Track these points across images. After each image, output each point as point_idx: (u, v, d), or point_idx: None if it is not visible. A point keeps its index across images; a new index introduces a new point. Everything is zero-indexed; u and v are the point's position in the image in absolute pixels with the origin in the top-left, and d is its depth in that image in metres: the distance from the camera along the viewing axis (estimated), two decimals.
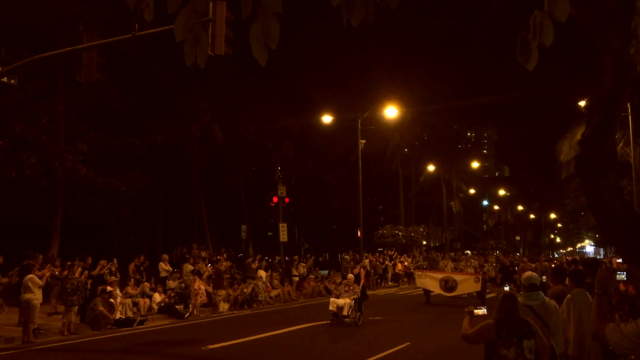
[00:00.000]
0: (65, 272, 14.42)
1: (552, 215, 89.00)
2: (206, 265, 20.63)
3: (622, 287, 6.64)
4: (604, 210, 4.75)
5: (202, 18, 2.63)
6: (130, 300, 15.94)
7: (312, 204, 47.72)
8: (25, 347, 11.90)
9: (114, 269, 16.40)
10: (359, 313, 14.85)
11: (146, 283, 17.82)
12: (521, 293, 5.82)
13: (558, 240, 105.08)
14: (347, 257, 31.36)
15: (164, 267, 19.70)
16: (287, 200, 30.17)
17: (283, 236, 29.44)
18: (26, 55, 15.18)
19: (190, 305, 17.27)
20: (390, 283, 31.02)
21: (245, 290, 20.07)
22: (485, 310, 5.19)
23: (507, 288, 5.86)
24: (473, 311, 5.10)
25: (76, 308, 14.23)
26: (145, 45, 23.74)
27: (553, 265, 30.43)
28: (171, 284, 18.62)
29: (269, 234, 47.84)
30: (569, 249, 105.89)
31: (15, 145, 18.97)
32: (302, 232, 54.88)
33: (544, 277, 15.89)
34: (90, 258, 16.46)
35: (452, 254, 41.57)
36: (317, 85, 41.87)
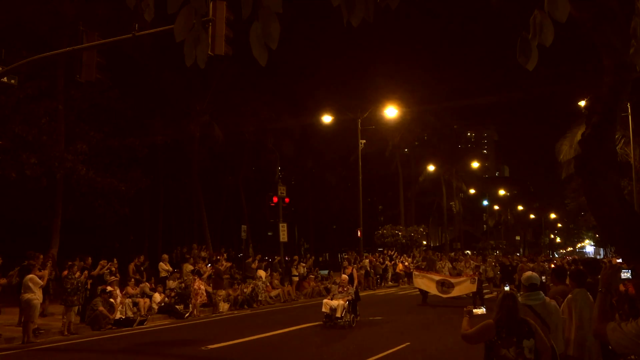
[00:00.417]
0: (65, 272, 14.41)
1: (552, 215, 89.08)
2: (206, 265, 20.62)
3: (621, 287, 6.63)
4: (604, 210, 4.76)
5: (202, 18, 2.63)
6: (130, 300, 15.94)
7: (312, 204, 47.72)
8: (25, 347, 11.90)
9: (114, 269, 16.40)
10: (353, 315, 14.54)
11: (146, 283, 17.82)
12: (521, 293, 5.82)
13: (558, 240, 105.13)
14: (347, 257, 31.36)
15: (164, 267, 19.70)
16: (287, 200, 30.20)
17: (283, 236, 29.45)
18: (26, 55, 15.18)
19: (190, 305, 17.28)
20: (390, 283, 31.03)
21: (245, 290, 20.08)
22: (484, 309, 5.19)
23: (507, 288, 5.85)
24: (472, 311, 5.11)
25: (76, 308, 14.24)
26: (145, 45, 23.73)
27: (552, 266, 30.43)
28: (171, 284, 18.62)
29: (269, 234, 47.85)
30: (569, 249, 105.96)
31: (15, 145, 18.96)
32: (302, 232, 54.88)
33: (543, 277, 15.88)
34: (90, 258, 16.46)
35: (452, 254, 41.60)
36: (317, 85, 41.90)
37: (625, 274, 4.61)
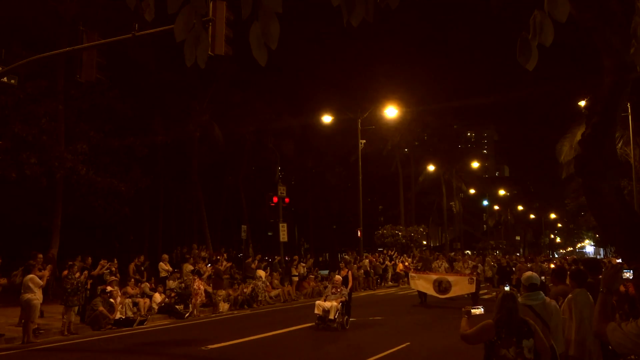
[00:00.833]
0: (65, 272, 14.42)
1: (552, 215, 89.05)
2: (206, 265, 20.63)
3: (622, 288, 6.64)
4: (604, 211, 4.75)
5: (202, 18, 2.63)
6: (130, 300, 15.94)
7: (312, 204, 47.71)
8: (25, 347, 11.91)
9: (114, 269, 16.40)
10: (346, 316, 14.26)
11: (146, 283, 17.82)
12: (521, 293, 5.82)
13: (558, 240, 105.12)
14: (347, 257, 31.37)
15: (164, 267, 19.70)
16: (287, 200, 30.20)
17: (283, 236, 29.46)
18: (26, 55, 15.18)
19: (190, 305, 17.27)
20: (390, 283, 31.03)
21: (245, 290, 20.08)
22: (482, 309, 5.19)
23: (507, 288, 5.86)
24: (470, 311, 5.11)
25: (76, 308, 14.24)
26: (145, 45, 23.75)
27: (552, 266, 30.33)
28: (171, 284, 18.62)
29: (269, 234, 47.86)
30: (569, 249, 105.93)
31: (15, 145, 18.96)
32: (302, 232, 54.87)
33: (542, 278, 15.87)
34: (90, 258, 16.46)
35: (452, 253, 41.57)
36: (317, 85, 41.91)
37: (626, 274, 4.61)
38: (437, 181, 53.79)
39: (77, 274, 14.37)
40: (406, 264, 32.95)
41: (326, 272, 31.77)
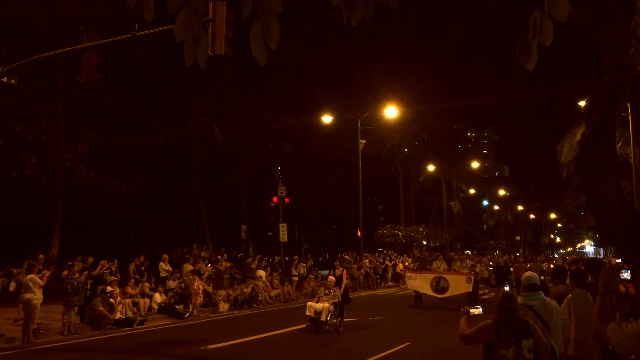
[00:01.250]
0: (65, 272, 14.42)
1: (552, 215, 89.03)
2: (206, 265, 20.62)
3: (622, 288, 6.64)
4: (604, 211, 4.75)
5: (202, 18, 2.63)
6: (130, 300, 15.94)
7: (312, 204, 47.71)
8: (25, 347, 11.91)
9: (114, 269, 16.40)
10: (339, 318, 13.81)
11: (146, 283, 17.81)
12: (521, 293, 5.82)
13: (558, 240, 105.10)
14: (347, 256, 31.36)
15: (164, 267, 19.69)
16: (287, 200, 30.18)
17: (283, 236, 29.45)
18: (26, 55, 15.18)
19: (190, 305, 17.27)
20: (390, 283, 31.04)
21: (245, 290, 20.07)
22: (481, 309, 5.19)
23: (507, 288, 5.85)
24: (469, 311, 5.11)
25: (76, 308, 14.24)
26: (145, 45, 23.75)
27: (552, 266, 30.14)
28: (171, 284, 18.62)
29: (269, 234, 47.84)
30: (569, 249, 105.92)
31: (15, 145, 18.97)
32: (302, 232, 54.88)
33: (541, 277, 15.80)
34: (90, 258, 16.45)
35: (453, 253, 41.52)
36: (317, 85, 41.94)
37: (625, 275, 4.61)
38: (437, 181, 53.78)
39: (77, 274, 14.37)
40: (406, 264, 32.98)
41: (326, 272, 31.78)
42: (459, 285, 19.12)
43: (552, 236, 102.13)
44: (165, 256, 20.73)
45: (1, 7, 19.07)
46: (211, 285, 18.38)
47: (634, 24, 3.09)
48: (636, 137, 27.78)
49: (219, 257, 22.46)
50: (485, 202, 75.21)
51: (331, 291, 14.08)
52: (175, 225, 40.58)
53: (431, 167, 51.21)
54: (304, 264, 25.78)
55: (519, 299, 5.44)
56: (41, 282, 13.00)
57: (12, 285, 13.73)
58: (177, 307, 17.13)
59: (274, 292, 21.78)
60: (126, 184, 22.90)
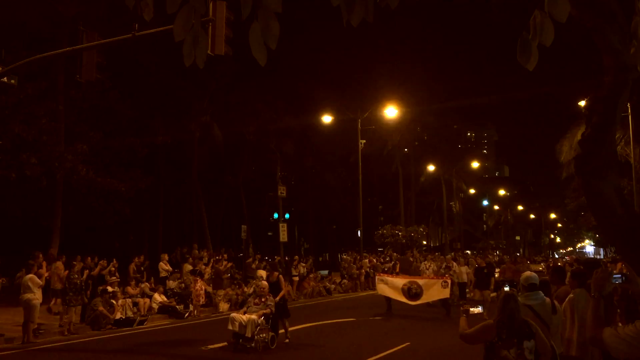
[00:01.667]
0: (66, 272, 14.42)
1: (552, 215, 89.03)
2: (206, 265, 20.60)
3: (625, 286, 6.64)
4: (604, 210, 4.75)
5: (201, 18, 2.63)
6: (130, 300, 15.94)
7: (312, 204, 47.71)
8: (25, 347, 11.90)
9: (113, 269, 16.40)
10: (272, 333, 11.33)
11: (146, 283, 17.81)
12: (520, 293, 5.82)
13: (558, 240, 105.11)
14: (346, 257, 31.37)
15: (164, 267, 19.68)
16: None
17: (283, 236, 29.46)
18: (26, 55, 15.18)
19: (190, 305, 17.27)
20: None
21: (246, 290, 20.04)
22: (481, 309, 5.19)
23: (507, 288, 5.83)
24: (469, 310, 5.11)
25: (78, 308, 14.26)
26: (145, 45, 23.74)
27: (541, 268, 29.51)
28: (171, 284, 18.62)
29: (269, 234, 47.85)
30: (569, 249, 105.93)
31: (15, 145, 18.97)
32: (302, 232, 54.87)
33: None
34: (91, 258, 16.44)
35: (452, 253, 41.38)
36: (317, 85, 41.88)
37: (616, 279, 4.61)
38: (437, 181, 53.77)
39: (77, 274, 14.37)
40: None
41: (326, 272, 31.79)
42: (433, 290, 16.80)
43: (552, 236, 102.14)
44: (165, 256, 20.71)
45: (1, 7, 19.06)
46: (211, 285, 18.37)
47: (634, 23, 3.09)
48: (636, 137, 27.77)
49: (218, 257, 22.46)
50: (485, 202, 75.24)
51: (263, 300, 11.54)
52: (175, 225, 40.59)
53: (431, 167, 51.21)
54: (304, 264, 25.79)
55: (519, 299, 5.44)
56: (40, 282, 13.00)
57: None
58: (177, 307, 17.13)
59: None
60: (126, 184, 22.89)
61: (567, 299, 6.03)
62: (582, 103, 27.98)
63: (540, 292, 5.69)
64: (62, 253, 20.06)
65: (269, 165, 38.97)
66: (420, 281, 17.28)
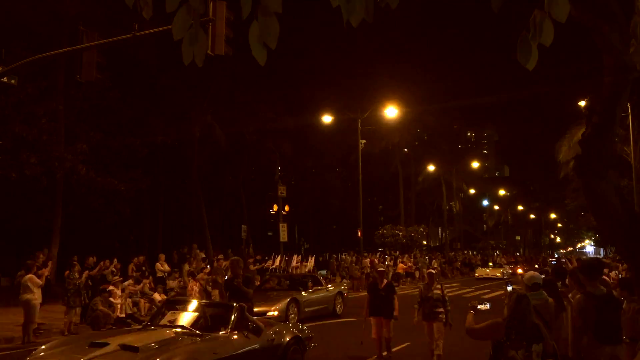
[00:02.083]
0: (67, 272, 14.43)
1: (552, 215, 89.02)
2: (206, 265, 20.60)
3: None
4: (604, 210, 4.75)
5: (200, 17, 2.63)
6: (130, 300, 15.94)
7: (312, 204, 47.72)
8: (26, 347, 11.89)
9: (115, 270, 16.39)
10: None
11: (145, 281, 17.78)
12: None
13: (558, 240, 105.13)
14: (345, 256, 31.39)
15: (160, 267, 19.65)
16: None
17: (283, 236, 29.47)
18: (26, 55, 15.19)
19: None
20: None
21: None
22: (488, 306, 5.23)
23: (509, 288, 5.81)
24: (477, 307, 5.14)
25: (79, 309, 14.27)
26: (145, 45, 23.73)
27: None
28: (171, 283, 18.61)
29: (269, 234, 47.86)
30: (569, 248, 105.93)
31: (15, 145, 18.97)
32: (302, 232, 54.89)
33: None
34: (94, 257, 16.43)
35: (453, 253, 41.51)
36: (317, 85, 41.90)
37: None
38: (437, 181, 53.80)
39: (77, 274, 14.38)
40: (409, 264, 33.07)
41: (324, 272, 31.77)
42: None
43: (552, 236, 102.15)
44: (162, 256, 20.64)
45: (1, 7, 19.07)
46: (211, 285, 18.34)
47: (633, 24, 3.09)
48: (636, 137, 27.76)
49: (217, 257, 22.43)
50: (485, 202, 75.24)
51: None
52: (175, 225, 40.60)
53: (431, 167, 51.24)
54: (306, 264, 25.79)
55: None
56: (40, 282, 12.99)
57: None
58: None
59: None
60: (126, 184, 22.89)
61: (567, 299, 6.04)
62: (582, 103, 27.99)
63: (544, 291, 5.70)
64: (62, 253, 20.11)
65: (269, 165, 39.00)
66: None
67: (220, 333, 7.53)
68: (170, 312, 8.36)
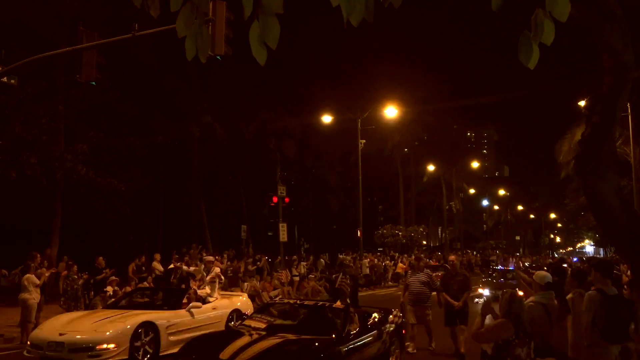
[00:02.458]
0: (65, 273, 14.43)
1: (552, 215, 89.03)
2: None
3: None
4: (604, 210, 4.77)
5: (203, 15, 2.64)
6: None
7: (312, 204, 47.72)
8: (24, 347, 11.88)
9: (112, 277, 16.35)
10: None
11: (145, 284, 17.78)
12: (535, 291, 5.84)
13: (558, 240, 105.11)
14: (345, 257, 31.36)
15: (157, 267, 19.61)
16: (287, 200, 30.17)
17: (283, 236, 29.46)
18: (26, 55, 15.18)
19: None
20: (390, 283, 31.09)
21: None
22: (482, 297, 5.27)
23: (486, 292, 5.83)
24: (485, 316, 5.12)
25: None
26: (145, 45, 23.74)
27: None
28: None
29: (269, 234, 47.84)
30: (569, 248, 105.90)
31: (15, 145, 18.97)
32: (302, 232, 54.88)
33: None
34: (101, 258, 16.42)
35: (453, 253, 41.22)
36: (317, 85, 41.94)
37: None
38: (437, 181, 53.81)
39: (76, 276, 14.39)
40: (407, 263, 33.02)
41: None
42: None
43: (552, 236, 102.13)
44: (157, 255, 20.57)
45: (1, 7, 19.07)
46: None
47: None
48: (636, 137, 27.76)
49: (218, 257, 22.41)
50: (485, 202, 75.21)
51: None
52: (175, 225, 40.60)
53: (431, 167, 51.25)
54: (305, 263, 25.79)
55: (533, 297, 5.50)
56: (37, 282, 12.98)
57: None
58: None
59: (273, 292, 21.75)
60: (126, 184, 22.89)
61: (567, 298, 6.03)
62: (582, 103, 27.98)
63: (552, 292, 5.70)
64: (62, 253, 20.11)
65: (269, 165, 39.00)
66: None
67: None
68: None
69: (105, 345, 8.85)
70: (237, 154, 37.22)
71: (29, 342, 9.84)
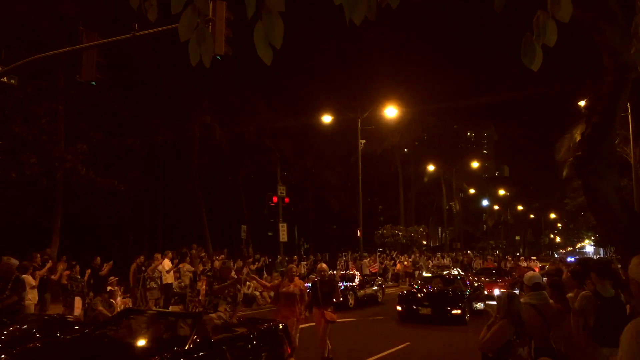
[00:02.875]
0: (68, 272, 14.44)
1: (552, 215, 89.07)
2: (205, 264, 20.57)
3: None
4: (604, 210, 4.77)
5: (204, 18, 2.64)
6: (130, 300, 15.93)
7: (312, 204, 47.73)
8: None
9: (110, 278, 16.36)
10: None
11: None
12: (525, 292, 5.84)
13: (558, 240, 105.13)
14: (344, 256, 31.38)
15: (164, 268, 19.61)
16: (287, 200, 30.20)
17: (283, 236, 29.48)
18: (26, 55, 15.18)
19: (190, 305, 17.27)
20: (390, 283, 31.06)
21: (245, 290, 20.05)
22: (483, 305, 5.27)
23: (517, 291, 5.84)
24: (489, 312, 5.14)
25: (80, 310, 14.28)
26: (145, 46, 23.75)
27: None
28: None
29: (269, 234, 47.84)
30: (569, 248, 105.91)
31: (15, 145, 18.98)
32: (302, 232, 54.88)
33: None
34: (99, 258, 16.43)
35: (453, 254, 41.31)
36: (317, 85, 41.96)
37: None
38: (437, 181, 53.84)
39: (79, 276, 14.40)
40: (405, 263, 33.04)
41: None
42: None
43: (552, 236, 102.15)
44: (157, 255, 20.56)
45: (1, 7, 19.07)
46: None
47: (634, 24, 3.10)
48: (636, 137, 27.75)
49: (217, 257, 22.44)
50: (485, 202, 75.23)
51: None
52: (175, 225, 40.59)
53: (431, 167, 51.25)
54: (306, 263, 25.80)
55: (523, 298, 5.48)
56: (34, 283, 12.97)
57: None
58: (177, 307, 17.13)
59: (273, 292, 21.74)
60: (126, 184, 22.90)
61: (567, 297, 6.03)
62: (582, 103, 27.99)
63: (544, 292, 5.70)
64: (62, 253, 20.11)
65: (269, 165, 39.00)
66: None
67: None
68: None
69: None
70: (237, 154, 37.23)
71: None
